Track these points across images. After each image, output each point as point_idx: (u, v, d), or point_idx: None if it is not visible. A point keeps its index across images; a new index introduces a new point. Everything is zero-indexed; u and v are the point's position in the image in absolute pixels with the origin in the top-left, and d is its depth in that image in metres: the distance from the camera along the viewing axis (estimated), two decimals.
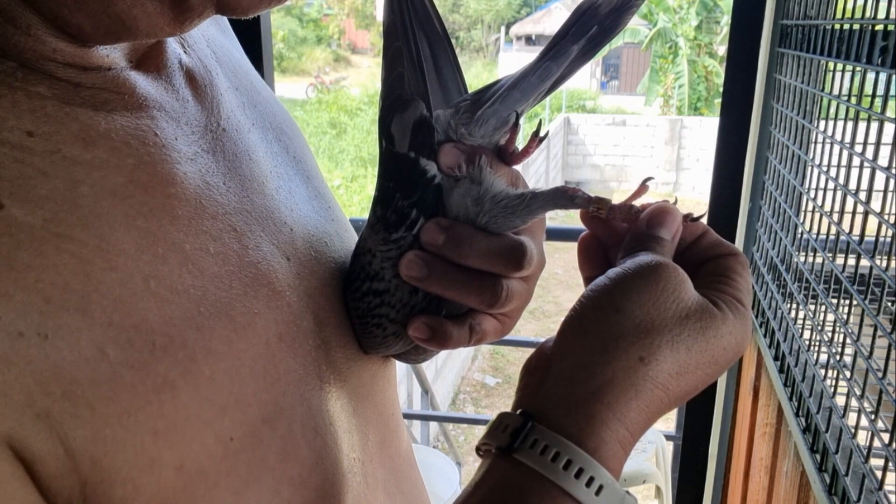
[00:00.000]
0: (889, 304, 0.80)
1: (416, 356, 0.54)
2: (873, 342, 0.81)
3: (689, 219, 0.45)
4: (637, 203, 0.46)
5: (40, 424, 0.31)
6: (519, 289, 0.47)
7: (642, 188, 0.46)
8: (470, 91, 0.48)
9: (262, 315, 0.41)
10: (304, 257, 0.47)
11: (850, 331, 0.87)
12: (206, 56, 0.47)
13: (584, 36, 0.43)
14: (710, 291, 0.41)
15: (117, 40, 0.38)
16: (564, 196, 0.45)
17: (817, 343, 1.04)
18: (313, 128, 14.43)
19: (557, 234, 2.09)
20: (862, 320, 0.85)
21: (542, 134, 0.45)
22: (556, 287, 8.53)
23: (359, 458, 0.49)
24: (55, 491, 0.32)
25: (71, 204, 0.34)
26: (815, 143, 1.12)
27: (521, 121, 0.47)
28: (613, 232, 0.46)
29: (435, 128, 0.45)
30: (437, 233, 0.45)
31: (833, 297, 0.97)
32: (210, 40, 0.50)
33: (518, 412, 0.39)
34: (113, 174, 0.36)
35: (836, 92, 1.02)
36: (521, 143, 0.48)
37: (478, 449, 0.41)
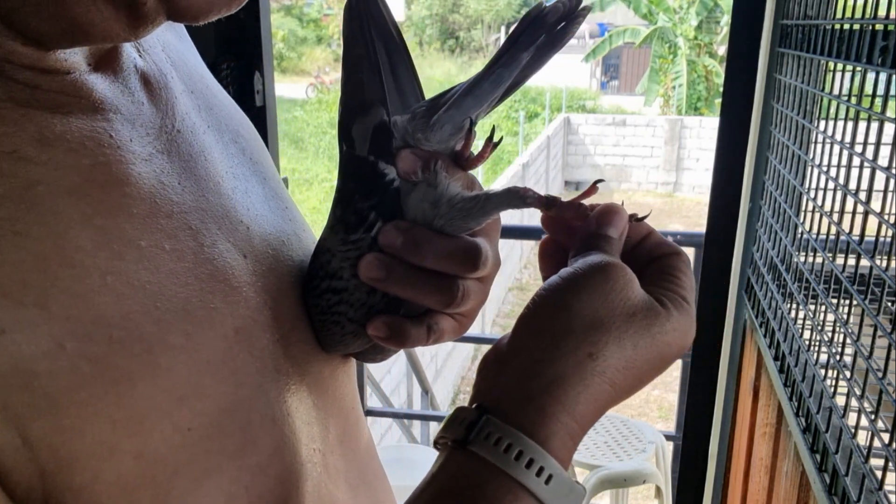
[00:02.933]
0: (889, 304, 0.80)
1: (375, 356, 0.55)
2: (873, 342, 0.80)
3: (634, 219, 0.46)
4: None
5: None
6: (475, 289, 0.49)
7: (592, 189, 0.49)
8: (427, 98, 0.49)
9: (218, 310, 0.43)
10: (261, 255, 0.48)
11: (850, 331, 0.87)
12: (161, 60, 0.49)
13: (534, 44, 0.45)
14: (655, 289, 0.43)
15: (74, 44, 0.39)
16: (517, 196, 0.46)
17: (817, 343, 1.04)
18: (313, 128, 14.41)
19: None
20: (862, 320, 0.85)
21: (496, 139, 0.47)
22: None
23: (319, 449, 0.51)
24: (15, 480, 0.33)
25: (28, 203, 0.35)
26: (815, 143, 1.12)
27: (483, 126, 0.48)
28: (571, 234, 0.47)
29: (393, 132, 0.47)
30: (395, 235, 0.46)
31: (833, 297, 0.97)
32: (165, 45, 0.51)
33: (474, 406, 0.41)
34: (69, 174, 0.38)
35: (836, 92, 1.02)
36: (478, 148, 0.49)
37: (435, 443, 0.42)
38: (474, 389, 0.43)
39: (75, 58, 0.41)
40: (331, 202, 0.50)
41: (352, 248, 0.48)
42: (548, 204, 0.47)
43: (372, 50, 0.47)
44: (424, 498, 0.40)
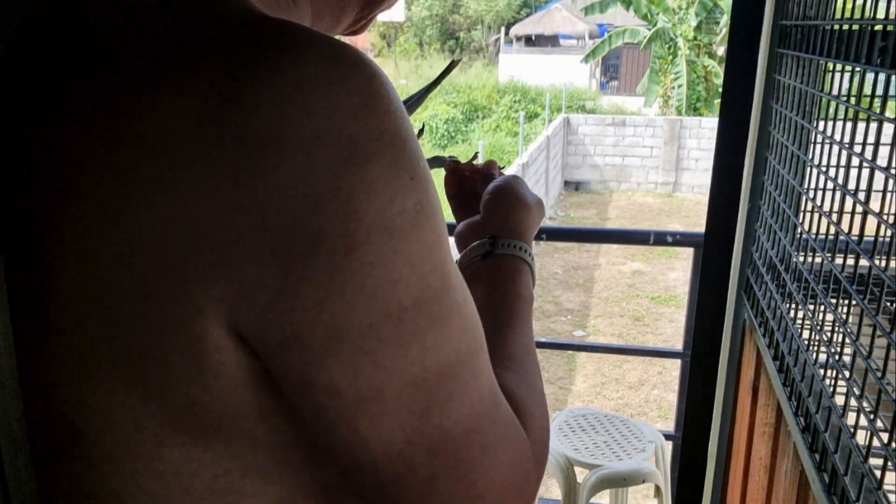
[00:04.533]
0: (888, 303, 0.80)
1: None
2: (872, 342, 0.81)
3: (499, 168, 0.88)
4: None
5: None
6: None
7: (475, 157, 0.89)
8: None
9: None
10: None
11: (849, 330, 0.87)
12: None
13: (439, 82, 0.82)
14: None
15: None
16: (438, 159, 0.84)
17: (816, 343, 1.04)
18: None
19: (557, 234, 2.09)
20: (861, 320, 0.85)
21: (423, 132, 0.79)
22: (555, 287, 8.54)
23: None
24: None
25: None
26: (815, 143, 1.12)
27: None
28: (464, 181, 0.87)
29: None
30: None
31: (832, 297, 0.97)
32: None
33: (485, 239, 0.73)
34: None
35: (835, 92, 1.02)
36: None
37: (463, 267, 0.72)
38: (467, 244, 0.75)
39: None
40: None
41: None
42: (455, 162, 0.86)
43: None
44: (476, 290, 0.61)
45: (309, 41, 0.41)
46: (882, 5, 0.87)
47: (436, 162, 0.81)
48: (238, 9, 0.44)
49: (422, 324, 0.43)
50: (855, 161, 0.90)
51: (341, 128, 0.40)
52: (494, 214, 0.76)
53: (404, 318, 0.42)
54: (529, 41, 22.62)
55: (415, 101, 0.81)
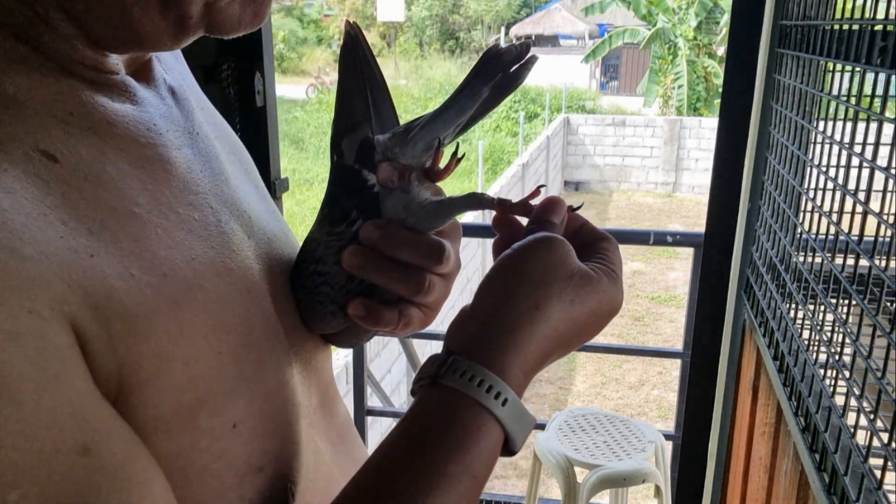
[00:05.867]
0: (888, 303, 0.81)
1: (349, 339, 0.63)
2: (872, 342, 0.81)
3: (570, 209, 0.56)
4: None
5: (91, 314, 0.39)
6: (439, 284, 0.56)
7: (535, 192, 0.58)
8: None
9: (234, 272, 0.51)
10: (260, 240, 0.57)
11: (849, 330, 0.87)
12: (178, 78, 0.58)
13: (492, 80, 0.53)
14: (589, 263, 0.52)
15: (128, 49, 0.48)
16: (475, 199, 0.56)
17: (816, 343, 1.04)
18: (313, 128, 14.39)
19: None
20: (861, 320, 0.85)
21: (459, 155, 0.55)
22: None
23: (305, 405, 0.58)
24: (100, 365, 0.40)
25: (101, 167, 0.44)
26: (815, 143, 1.12)
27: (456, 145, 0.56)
28: (516, 232, 0.56)
29: (375, 147, 0.55)
30: (373, 230, 0.54)
31: (832, 297, 0.97)
32: (180, 68, 0.61)
33: (442, 353, 0.49)
34: (130, 148, 0.47)
35: (835, 92, 1.02)
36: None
37: (413, 392, 0.50)
38: (444, 344, 0.51)
39: (120, 66, 0.50)
40: None
41: (335, 239, 0.55)
42: (500, 204, 0.56)
43: (362, 83, 0.55)
44: (403, 427, 0.47)
45: None
46: (882, 5, 0.87)
47: (470, 202, 0.55)
48: None
49: None
50: (855, 161, 0.90)
51: None
52: (478, 307, 0.50)
53: None
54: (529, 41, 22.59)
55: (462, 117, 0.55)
